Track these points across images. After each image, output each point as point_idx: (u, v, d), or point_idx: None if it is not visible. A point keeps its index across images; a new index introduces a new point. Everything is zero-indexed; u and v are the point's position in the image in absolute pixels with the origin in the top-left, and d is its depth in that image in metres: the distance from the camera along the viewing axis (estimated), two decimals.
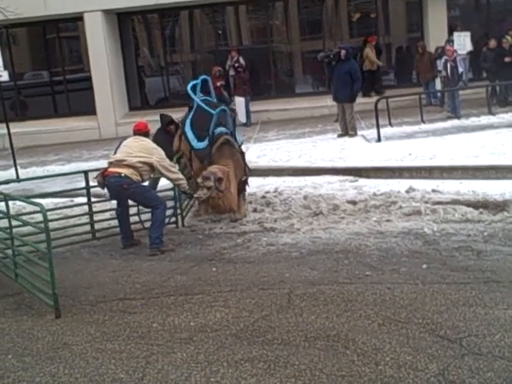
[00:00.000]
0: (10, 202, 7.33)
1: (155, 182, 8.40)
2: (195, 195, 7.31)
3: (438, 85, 15.03)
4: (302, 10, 19.04)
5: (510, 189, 7.88)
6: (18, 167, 11.93)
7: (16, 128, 13.86)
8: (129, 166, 6.85)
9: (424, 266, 5.65)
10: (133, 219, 7.47)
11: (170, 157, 7.50)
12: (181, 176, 7.30)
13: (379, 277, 5.48)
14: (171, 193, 7.83)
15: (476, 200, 7.66)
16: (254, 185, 9.39)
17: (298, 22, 19.10)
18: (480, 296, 4.86)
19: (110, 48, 16.78)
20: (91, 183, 7.75)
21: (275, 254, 6.40)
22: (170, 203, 7.59)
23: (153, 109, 16.53)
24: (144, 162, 6.92)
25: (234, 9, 18.85)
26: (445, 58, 13.70)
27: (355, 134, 12.45)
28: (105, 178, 6.91)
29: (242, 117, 15.45)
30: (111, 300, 5.50)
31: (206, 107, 7.79)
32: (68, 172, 9.67)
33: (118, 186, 6.82)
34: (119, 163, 6.89)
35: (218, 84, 15.51)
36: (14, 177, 10.67)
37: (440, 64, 14.11)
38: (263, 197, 8.61)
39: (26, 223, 6.22)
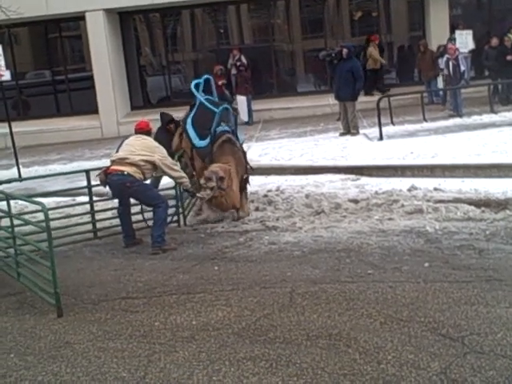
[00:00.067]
0: (13, 201, 7.35)
1: (157, 180, 8.40)
2: (198, 195, 7.32)
3: (440, 83, 15.01)
4: (303, 8, 19.03)
5: None
6: (20, 166, 11.94)
7: (18, 127, 13.88)
8: (131, 164, 6.86)
9: (426, 264, 5.65)
10: (135, 218, 7.47)
11: (169, 155, 7.51)
12: (183, 174, 7.32)
13: (381, 275, 5.47)
14: (173, 191, 7.83)
15: (478, 198, 7.65)
16: (256, 183, 9.39)
17: (300, 20, 19.09)
18: (482, 294, 4.85)
19: (112, 47, 16.78)
20: (93, 182, 7.76)
21: (277, 253, 6.39)
22: (171, 202, 7.59)
23: (154, 108, 16.52)
24: (146, 161, 6.93)
25: (236, 8, 18.85)
26: (447, 56, 13.68)
27: (357, 133, 12.44)
28: (107, 175, 6.92)
29: (244, 115, 15.45)
30: (113, 299, 5.50)
31: (209, 105, 7.80)
32: (70, 171, 9.68)
33: (121, 184, 6.83)
34: (122, 161, 6.90)
35: (220, 83, 15.50)
36: (17, 176, 10.68)
37: (442, 62, 14.09)
38: (265, 195, 8.61)
39: (27, 222, 6.23)
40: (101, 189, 8.13)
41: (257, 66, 17.66)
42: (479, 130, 11.41)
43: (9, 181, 8.65)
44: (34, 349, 4.63)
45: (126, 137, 7.48)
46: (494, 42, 14.46)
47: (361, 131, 12.55)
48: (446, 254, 5.89)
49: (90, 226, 7.64)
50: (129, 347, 4.49)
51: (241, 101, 15.51)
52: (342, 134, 12.59)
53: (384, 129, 11.82)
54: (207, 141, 7.67)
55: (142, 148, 6.99)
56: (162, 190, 8.09)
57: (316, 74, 18.92)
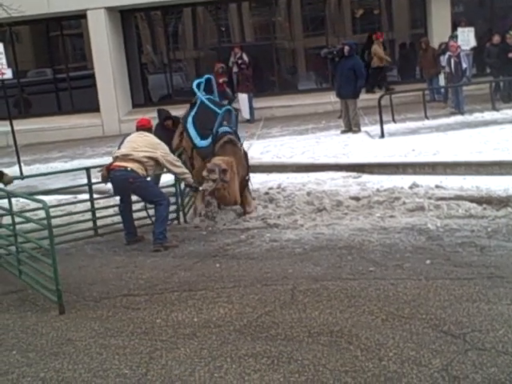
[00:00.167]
0: (14, 199, 7.37)
1: (157, 178, 8.41)
2: (201, 188, 7.32)
3: (442, 81, 14.99)
4: (304, 6, 19.03)
5: None
6: (22, 164, 11.97)
7: (19, 125, 13.90)
8: (135, 160, 6.88)
9: (427, 261, 5.65)
10: (136, 215, 7.47)
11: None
12: (185, 170, 7.34)
13: (383, 272, 5.47)
14: (173, 189, 7.84)
15: (479, 196, 7.65)
16: (258, 181, 9.40)
17: (301, 18, 19.08)
18: (484, 291, 4.85)
19: (113, 45, 16.78)
20: (93, 180, 7.77)
21: (278, 250, 6.40)
22: (171, 199, 7.58)
23: (156, 106, 16.39)
24: (149, 157, 6.96)
25: (237, 5, 18.84)
26: (448, 53, 13.66)
27: (359, 130, 12.44)
28: (109, 171, 6.93)
29: (245, 113, 15.45)
30: (115, 296, 5.51)
31: (212, 105, 7.79)
32: (71, 169, 9.71)
33: (124, 180, 6.84)
34: (125, 157, 6.91)
35: (221, 81, 15.52)
36: (18, 174, 10.70)
37: (444, 60, 14.07)
38: (266, 193, 8.61)
39: (28, 220, 6.24)
40: (103, 186, 8.15)
41: (258, 63, 17.65)
42: (481, 128, 11.40)
43: None
44: (36, 346, 4.64)
45: (128, 134, 7.49)
46: (496, 39, 14.43)
47: (362, 129, 12.54)
48: (447, 252, 5.88)
49: (91, 224, 7.65)
50: (130, 344, 4.49)
51: (242, 99, 15.51)
52: (343, 132, 12.58)
53: (385, 126, 11.81)
54: (209, 141, 7.67)
55: (144, 145, 7.01)
56: (163, 187, 8.08)
57: (317, 72, 18.91)
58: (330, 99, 15.54)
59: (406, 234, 6.47)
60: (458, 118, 12.77)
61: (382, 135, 11.58)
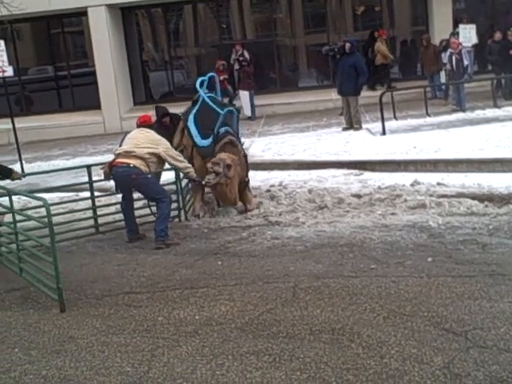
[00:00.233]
0: (16, 197, 7.37)
1: (157, 176, 8.41)
2: (204, 180, 7.31)
3: (443, 78, 14.97)
4: (306, 3, 19.01)
5: None
6: (23, 162, 11.98)
7: (21, 123, 13.91)
8: (137, 157, 6.89)
9: (429, 259, 5.64)
10: (137, 213, 7.48)
11: None
12: (188, 164, 7.35)
13: (384, 270, 5.47)
14: (173, 187, 7.84)
15: (481, 193, 7.64)
16: (259, 178, 9.41)
17: (302, 15, 19.07)
18: (485, 289, 4.85)
19: (114, 43, 16.77)
20: (96, 177, 7.77)
21: (280, 248, 6.40)
22: (172, 197, 7.59)
23: (157, 103, 16.51)
24: (152, 153, 6.97)
25: (238, 2, 18.82)
26: (450, 50, 13.63)
27: (360, 128, 12.42)
28: (112, 168, 6.93)
29: (246, 110, 15.43)
30: (116, 294, 5.51)
31: (214, 106, 7.77)
32: (72, 166, 9.71)
33: (127, 176, 6.84)
34: (128, 154, 6.92)
35: (221, 78, 15.49)
36: (20, 171, 10.69)
37: (445, 57, 14.05)
38: (268, 190, 8.61)
39: (29, 218, 6.24)
40: (105, 184, 8.15)
41: (259, 60, 17.63)
42: (482, 125, 11.38)
43: None
44: (38, 343, 4.65)
45: (128, 131, 7.50)
46: (498, 36, 14.40)
47: (364, 126, 12.53)
48: (449, 249, 5.88)
49: (92, 222, 7.65)
50: (132, 342, 4.50)
51: (243, 96, 15.49)
52: (344, 129, 12.57)
53: (387, 123, 11.80)
54: (209, 141, 7.66)
55: (146, 141, 7.02)
56: (163, 185, 8.08)
57: (319, 69, 18.90)
58: (332, 96, 15.53)
59: (408, 232, 6.47)
60: (460, 115, 12.75)
61: (384, 132, 11.58)
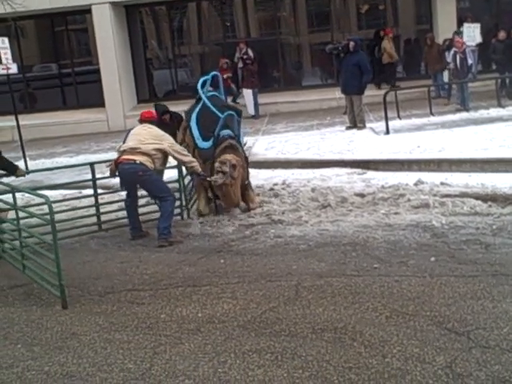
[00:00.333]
0: (19, 194, 7.38)
1: (160, 174, 8.41)
2: (211, 178, 7.31)
3: (447, 77, 14.94)
4: (310, 1, 19.00)
5: None
6: (27, 159, 12.00)
7: (25, 120, 13.93)
8: (143, 153, 6.90)
9: (432, 258, 5.64)
10: (141, 211, 7.49)
11: None
12: (193, 159, 7.34)
13: (387, 269, 5.47)
14: (176, 184, 7.84)
15: (485, 193, 7.62)
16: (262, 177, 9.42)
17: (306, 13, 19.06)
18: (488, 289, 4.84)
19: (118, 40, 16.79)
20: (98, 175, 7.77)
21: (283, 246, 6.40)
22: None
23: (161, 101, 16.51)
24: (157, 149, 6.99)
25: (242, 0, 18.82)
26: (454, 49, 13.61)
27: (364, 127, 12.41)
28: (118, 165, 6.94)
29: (250, 109, 15.44)
30: (119, 291, 5.52)
31: (215, 109, 7.74)
32: (75, 164, 9.72)
33: (133, 173, 6.85)
34: (133, 151, 6.92)
35: (225, 76, 15.50)
36: (24, 168, 10.71)
37: (449, 56, 14.02)
38: (271, 189, 8.61)
39: (32, 215, 6.25)
40: (108, 181, 8.16)
41: (263, 59, 17.63)
42: (486, 125, 11.35)
43: None
44: (41, 339, 4.66)
45: (132, 128, 7.50)
46: (502, 35, 14.37)
47: (367, 125, 12.51)
48: (452, 249, 5.87)
49: (95, 219, 7.66)
50: (135, 339, 4.51)
51: (247, 94, 15.49)
52: (348, 128, 12.56)
53: (391, 123, 11.78)
54: (210, 143, 7.67)
55: (150, 137, 7.03)
56: (166, 183, 8.08)
57: (322, 68, 18.90)
58: (335, 95, 15.52)
59: (411, 231, 6.46)
60: (464, 115, 12.73)
61: (387, 131, 11.56)
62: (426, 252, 5.83)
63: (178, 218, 7.82)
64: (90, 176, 7.75)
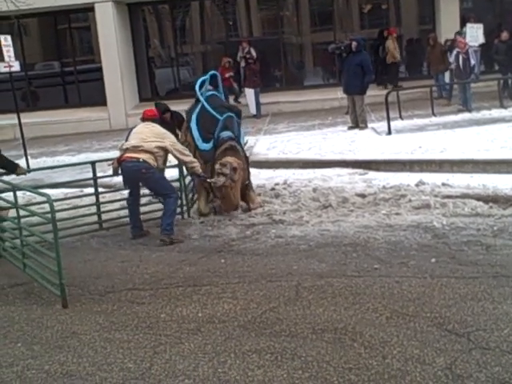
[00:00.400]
0: (21, 192, 7.39)
1: (161, 173, 8.41)
2: (212, 180, 7.31)
3: (447, 77, 14.91)
4: (312, 1, 18.98)
5: None
6: (29, 157, 12.01)
7: (27, 118, 13.93)
8: (146, 151, 6.91)
9: (433, 259, 5.63)
10: (142, 210, 7.48)
11: None
12: (194, 159, 7.34)
13: (387, 270, 5.47)
14: (177, 184, 7.84)
15: (486, 194, 7.62)
16: (264, 177, 9.41)
17: (309, 13, 19.03)
18: (489, 290, 4.84)
19: (121, 39, 16.79)
20: (100, 173, 7.77)
21: (284, 247, 6.40)
22: None
23: (163, 100, 16.51)
24: (159, 147, 7.00)
25: (245, 0, 18.79)
26: (457, 50, 13.58)
27: (365, 127, 12.40)
28: (120, 163, 6.95)
29: (252, 108, 15.43)
30: (120, 290, 5.53)
31: (213, 112, 7.72)
32: (77, 162, 9.73)
33: (136, 171, 6.86)
34: (136, 149, 6.93)
35: (227, 75, 15.50)
36: (25, 167, 10.72)
37: (452, 56, 13.99)
38: (272, 189, 8.61)
39: (33, 213, 6.26)
40: (109, 180, 8.16)
41: (265, 58, 17.62)
42: (488, 125, 11.33)
43: None
44: (41, 338, 4.67)
45: (134, 126, 7.50)
46: (504, 35, 14.33)
47: (369, 125, 12.50)
48: (452, 250, 5.87)
49: (96, 218, 7.66)
50: (135, 338, 4.51)
51: (249, 94, 15.48)
52: (350, 128, 12.55)
53: (392, 123, 11.77)
54: (210, 145, 7.66)
55: (152, 135, 7.04)
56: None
57: (325, 68, 18.87)
58: (337, 95, 15.51)
59: (412, 232, 6.46)
60: (466, 116, 12.71)
61: (389, 132, 11.55)
62: (426, 253, 5.83)
63: (179, 217, 7.81)
64: (90, 174, 7.75)
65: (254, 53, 16.00)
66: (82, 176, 8.97)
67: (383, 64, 16.33)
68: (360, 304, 4.77)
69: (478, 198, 7.44)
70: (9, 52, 11.47)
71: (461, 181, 8.28)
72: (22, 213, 6.53)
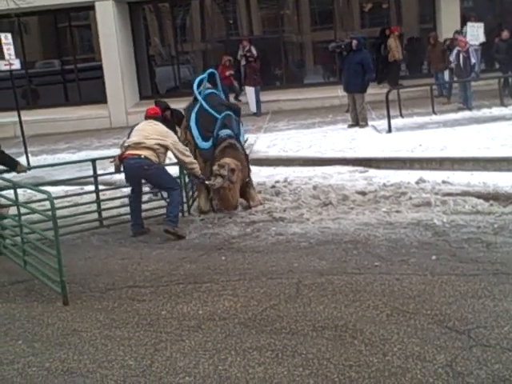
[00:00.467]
0: (21, 190, 7.39)
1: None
2: (209, 182, 7.31)
3: (446, 76, 14.91)
4: None
5: None
6: (29, 155, 12.01)
7: (27, 116, 13.94)
8: (147, 147, 6.92)
9: (433, 257, 5.64)
10: (142, 207, 7.48)
11: None
12: (194, 160, 7.34)
13: (388, 267, 5.47)
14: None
15: (486, 192, 7.62)
16: (264, 174, 9.42)
17: (309, 11, 19.02)
18: (489, 288, 4.84)
19: (121, 37, 16.78)
20: (100, 171, 7.77)
21: (284, 244, 6.40)
22: None
23: (163, 98, 16.50)
24: (160, 145, 7.01)
25: None
26: (457, 48, 13.58)
27: (366, 125, 12.40)
28: (122, 160, 6.95)
29: (252, 107, 15.43)
30: (120, 287, 5.53)
31: (212, 111, 7.71)
32: (77, 160, 9.73)
33: (139, 168, 6.87)
34: (137, 146, 6.94)
35: (227, 73, 15.50)
36: (25, 164, 10.73)
37: (452, 55, 13.98)
38: (273, 186, 8.61)
39: (34, 211, 6.26)
40: (110, 178, 8.15)
41: (266, 57, 17.60)
42: (489, 123, 11.34)
43: None
44: (42, 336, 4.67)
45: (136, 124, 7.51)
46: (505, 34, 14.34)
47: (369, 123, 12.51)
48: (453, 247, 5.87)
49: (97, 215, 7.66)
50: (135, 335, 4.51)
51: (249, 92, 15.48)
52: (350, 126, 12.55)
53: (393, 121, 11.77)
54: (209, 143, 7.66)
55: (154, 132, 7.05)
56: None
57: (325, 66, 18.86)
58: (338, 93, 15.51)
59: (412, 230, 6.46)
60: (466, 114, 12.72)
61: (390, 130, 11.55)
62: (427, 250, 5.83)
63: (179, 214, 7.81)
64: (91, 172, 7.75)
65: (254, 51, 15.99)
66: (83, 174, 8.98)
67: (385, 62, 16.32)
68: (360, 301, 4.77)
69: (479, 195, 7.44)
70: (9, 50, 11.47)
71: (461, 178, 8.28)
72: (22, 210, 6.53)
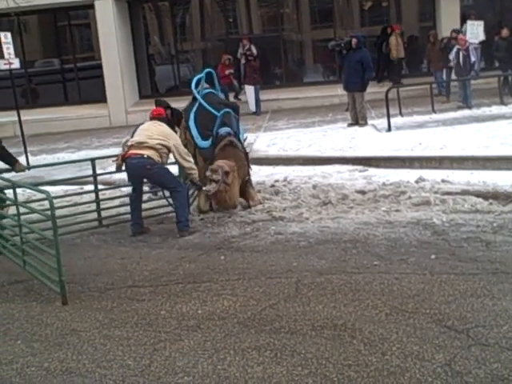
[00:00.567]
0: (21, 189, 7.39)
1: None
2: (204, 188, 7.32)
3: (444, 75, 14.90)
4: None
5: None
6: (29, 154, 12.01)
7: (27, 115, 13.93)
8: (150, 147, 6.93)
9: (432, 256, 5.63)
10: (142, 207, 7.49)
11: None
12: (194, 166, 7.32)
13: (387, 267, 5.47)
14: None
15: (486, 191, 7.62)
16: (264, 173, 9.42)
17: (309, 10, 19.01)
18: (488, 287, 4.84)
19: (121, 36, 16.77)
20: (99, 171, 7.77)
21: (283, 243, 6.40)
22: None
23: (163, 97, 16.49)
24: (163, 145, 7.02)
25: None
26: (457, 47, 13.57)
27: (365, 124, 12.40)
28: (125, 159, 6.96)
29: (251, 106, 15.42)
30: (119, 287, 5.53)
31: (211, 108, 7.71)
32: (77, 159, 9.73)
33: (141, 167, 6.88)
34: (140, 145, 6.95)
35: (227, 72, 15.49)
36: (25, 164, 10.72)
37: (452, 53, 13.97)
38: (272, 186, 8.61)
39: (33, 210, 6.26)
40: (109, 177, 8.14)
41: (265, 55, 17.60)
42: (488, 122, 11.34)
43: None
44: (41, 336, 4.67)
45: (141, 123, 7.51)
46: (505, 32, 14.33)
47: (369, 122, 12.50)
48: (452, 246, 5.87)
49: (96, 215, 7.66)
50: (134, 335, 4.52)
51: (249, 90, 15.47)
52: (350, 125, 12.55)
53: (392, 120, 11.77)
54: (209, 142, 7.65)
55: (157, 133, 7.06)
56: None
57: (325, 65, 18.85)
58: (337, 92, 15.50)
59: (412, 229, 6.46)
60: (466, 112, 12.71)
61: (389, 129, 11.54)
62: (426, 249, 5.83)
63: None
64: (90, 172, 7.74)
65: (254, 50, 15.98)
66: (82, 173, 8.98)
67: (386, 61, 16.31)
68: (359, 301, 4.77)
69: (478, 194, 7.44)
70: (9, 49, 11.46)
71: (461, 177, 8.28)
72: (21, 210, 6.53)
